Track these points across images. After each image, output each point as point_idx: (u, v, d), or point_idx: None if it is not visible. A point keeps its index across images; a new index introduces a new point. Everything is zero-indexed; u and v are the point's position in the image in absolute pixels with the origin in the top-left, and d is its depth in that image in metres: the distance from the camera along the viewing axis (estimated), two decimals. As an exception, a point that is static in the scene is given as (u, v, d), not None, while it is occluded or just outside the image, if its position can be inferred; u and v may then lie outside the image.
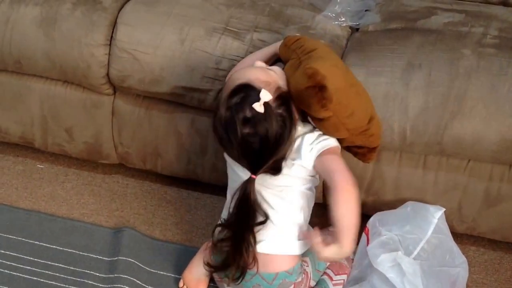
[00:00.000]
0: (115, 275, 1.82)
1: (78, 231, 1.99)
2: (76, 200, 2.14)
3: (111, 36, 1.94)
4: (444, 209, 1.84)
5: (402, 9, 2.02)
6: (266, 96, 1.50)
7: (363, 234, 1.89)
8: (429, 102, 1.75)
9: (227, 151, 1.59)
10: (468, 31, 1.86)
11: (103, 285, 1.82)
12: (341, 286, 1.79)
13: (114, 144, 2.12)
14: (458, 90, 1.74)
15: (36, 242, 1.94)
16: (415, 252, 1.79)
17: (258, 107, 1.49)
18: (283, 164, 1.56)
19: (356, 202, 1.47)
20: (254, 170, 1.54)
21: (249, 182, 1.55)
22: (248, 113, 1.50)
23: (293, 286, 1.67)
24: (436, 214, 1.83)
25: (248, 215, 1.58)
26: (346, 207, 1.45)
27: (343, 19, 1.96)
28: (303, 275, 1.70)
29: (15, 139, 2.23)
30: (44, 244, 1.94)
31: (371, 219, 1.90)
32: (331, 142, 1.62)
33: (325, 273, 1.79)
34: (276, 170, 1.55)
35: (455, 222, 1.94)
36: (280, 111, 1.52)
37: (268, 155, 1.52)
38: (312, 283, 1.75)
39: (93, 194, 2.17)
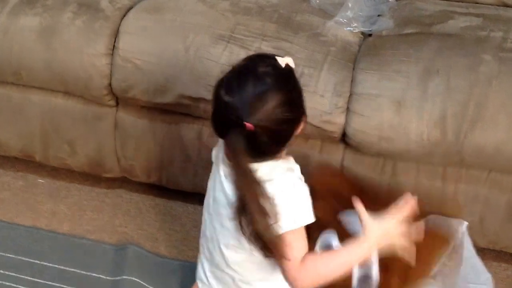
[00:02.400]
0: (118, 295, 1.74)
1: (80, 248, 1.91)
2: (78, 216, 2.06)
3: (113, 45, 1.86)
4: (466, 223, 1.74)
5: (417, 13, 1.94)
6: None
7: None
8: (447, 110, 1.67)
9: None
10: (487, 35, 1.78)
11: (106, 306, 1.74)
12: None
13: (117, 157, 2.04)
14: (478, 97, 1.66)
15: (36, 261, 1.85)
16: (436, 269, 1.69)
17: None
18: None
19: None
20: None
21: None
22: None
23: None
24: (459, 229, 1.74)
25: None
26: None
27: (355, 24, 1.88)
28: None
29: (15, 152, 2.15)
30: (45, 263, 1.85)
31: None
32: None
33: None
34: None
35: (476, 236, 1.83)
36: None
37: None
38: None
39: (96, 210, 2.08)
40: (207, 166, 1.96)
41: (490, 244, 1.87)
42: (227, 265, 1.48)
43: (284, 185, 1.33)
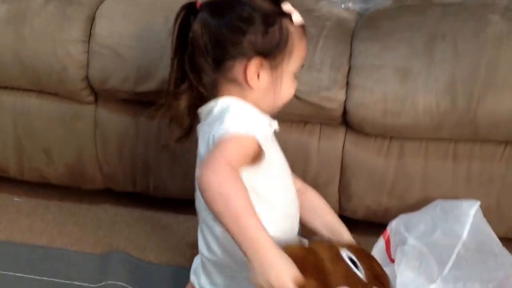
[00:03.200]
0: (103, 300, 1.55)
1: (59, 259, 1.72)
2: (57, 230, 1.87)
3: (90, 32, 1.72)
4: (479, 202, 1.58)
5: (416, -8, 1.83)
6: None
7: (381, 239, 1.65)
8: (457, 75, 1.54)
9: None
10: (492, 1, 1.67)
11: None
12: None
13: (98, 162, 1.87)
14: (489, 59, 1.54)
15: (9, 273, 1.66)
16: (450, 263, 1.53)
17: None
18: None
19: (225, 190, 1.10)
20: None
21: None
22: None
23: None
24: (471, 210, 1.58)
25: None
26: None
27: (350, 3, 1.76)
28: None
29: (-14, 168, 1.97)
30: (19, 274, 1.66)
31: (394, 222, 1.65)
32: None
33: None
34: None
35: (494, 223, 1.65)
36: None
37: None
38: None
39: (77, 224, 1.90)
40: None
41: (509, 232, 1.70)
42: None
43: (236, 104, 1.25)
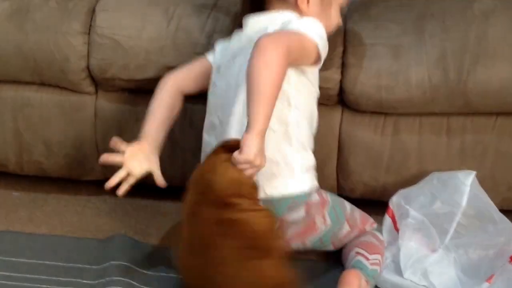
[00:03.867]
0: (107, 279, 1.56)
1: (60, 245, 1.73)
2: (57, 220, 1.88)
3: (90, 24, 1.76)
4: (475, 172, 1.63)
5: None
6: None
7: (387, 217, 1.67)
8: (447, 49, 1.60)
9: None
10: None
11: (94, 290, 1.57)
12: (379, 266, 1.54)
13: (98, 152, 1.88)
14: (477, 32, 1.61)
15: (12, 259, 1.67)
16: (451, 231, 1.57)
17: None
18: None
19: (273, 62, 1.24)
20: None
21: None
22: None
23: (304, 206, 1.45)
24: (467, 180, 1.62)
25: None
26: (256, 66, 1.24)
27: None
28: (319, 197, 1.48)
29: (-15, 164, 1.98)
30: (21, 260, 1.66)
31: (394, 198, 1.69)
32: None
33: (358, 253, 1.54)
34: None
35: (490, 194, 1.70)
36: None
37: None
38: (328, 220, 1.51)
39: (77, 214, 1.92)
40: (196, 152, 1.83)
41: (505, 202, 1.74)
42: None
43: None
